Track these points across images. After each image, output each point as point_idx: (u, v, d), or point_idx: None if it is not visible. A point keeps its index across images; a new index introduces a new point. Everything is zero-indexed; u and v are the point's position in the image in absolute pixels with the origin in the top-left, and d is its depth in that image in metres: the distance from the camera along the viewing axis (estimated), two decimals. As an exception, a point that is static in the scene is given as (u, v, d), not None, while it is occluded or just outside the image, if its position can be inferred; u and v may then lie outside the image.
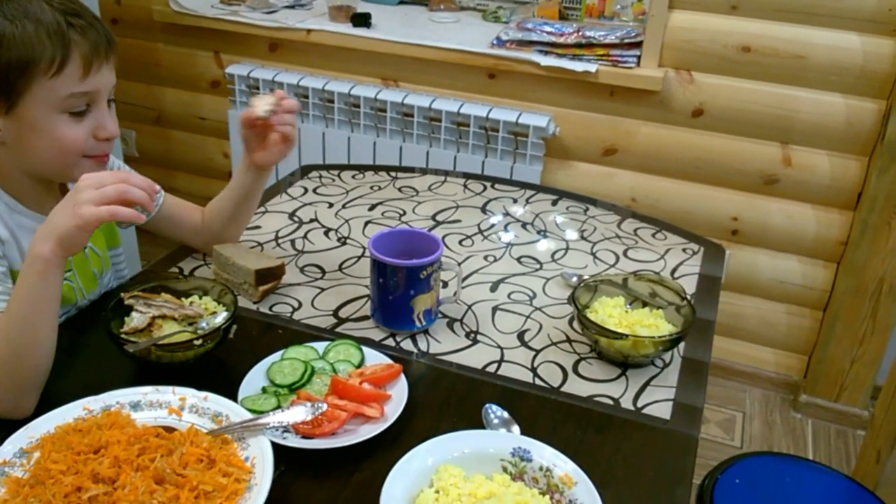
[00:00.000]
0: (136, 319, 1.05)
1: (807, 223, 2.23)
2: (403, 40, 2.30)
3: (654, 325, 1.13)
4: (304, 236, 1.44)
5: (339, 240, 1.44)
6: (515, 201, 1.63)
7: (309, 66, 2.51)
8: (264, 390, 1.00)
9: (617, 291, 1.20)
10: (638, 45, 2.15)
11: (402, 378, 1.02)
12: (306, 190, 1.63)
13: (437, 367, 1.11)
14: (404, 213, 1.55)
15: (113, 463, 0.80)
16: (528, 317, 1.24)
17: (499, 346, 1.17)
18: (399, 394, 1.00)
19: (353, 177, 1.70)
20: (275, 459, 0.83)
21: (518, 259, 1.41)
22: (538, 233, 1.50)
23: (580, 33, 2.16)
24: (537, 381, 1.09)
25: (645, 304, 1.19)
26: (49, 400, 0.94)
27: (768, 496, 1.32)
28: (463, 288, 1.29)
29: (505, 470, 0.89)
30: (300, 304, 1.24)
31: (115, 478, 0.78)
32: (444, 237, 1.45)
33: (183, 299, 1.12)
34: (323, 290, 1.28)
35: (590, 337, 1.15)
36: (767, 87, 2.11)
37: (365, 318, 1.21)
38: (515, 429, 0.97)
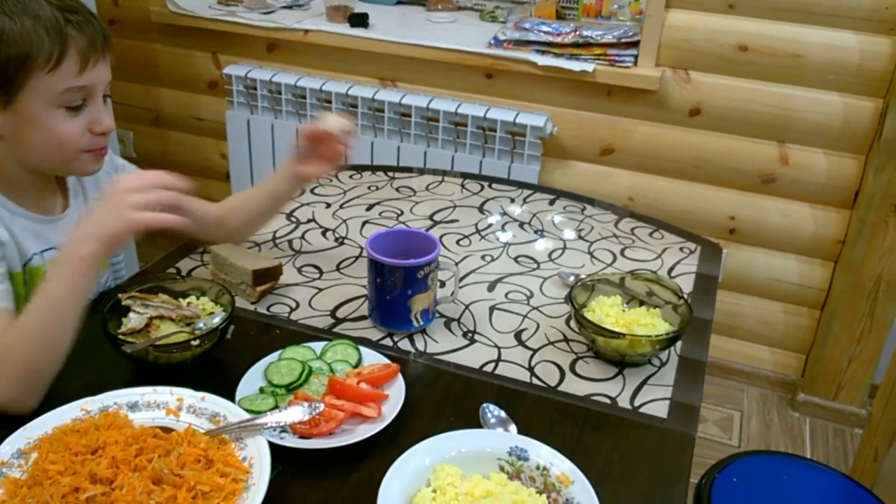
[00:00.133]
0: (133, 320, 1.05)
1: (804, 222, 2.23)
2: (401, 40, 2.30)
3: (650, 324, 1.13)
4: (302, 236, 1.45)
5: (336, 240, 1.44)
6: (513, 201, 1.63)
7: (306, 66, 2.51)
8: (262, 390, 1.00)
9: (614, 290, 1.20)
10: (635, 44, 2.15)
11: (400, 378, 1.02)
12: (304, 190, 1.63)
13: (434, 366, 1.12)
14: (402, 213, 1.55)
15: (111, 463, 0.80)
16: (525, 316, 1.24)
17: (496, 346, 1.17)
18: (396, 393, 1.00)
19: (351, 177, 1.70)
20: (272, 459, 0.83)
21: (515, 258, 1.41)
22: (535, 232, 1.51)
23: (577, 33, 2.17)
24: (534, 381, 1.10)
25: (642, 304, 1.19)
26: (47, 401, 0.94)
27: (766, 495, 1.32)
28: (460, 288, 1.29)
29: (502, 469, 0.89)
30: (298, 305, 1.24)
31: (112, 478, 0.79)
32: (441, 237, 1.46)
33: (180, 300, 1.12)
34: (320, 290, 1.28)
35: (587, 336, 1.15)
36: (764, 86, 2.11)
37: (362, 318, 1.21)
38: (512, 428, 0.98)
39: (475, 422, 0.99)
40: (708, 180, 2.27)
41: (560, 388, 1.08)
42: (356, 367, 1.05)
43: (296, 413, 0.91)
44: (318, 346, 1.09)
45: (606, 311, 1.15)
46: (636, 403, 1.06)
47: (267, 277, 1.24)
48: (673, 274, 1.39)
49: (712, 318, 1.28)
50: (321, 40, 2.38)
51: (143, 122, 2.87)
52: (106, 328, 1.02)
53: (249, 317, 1.20)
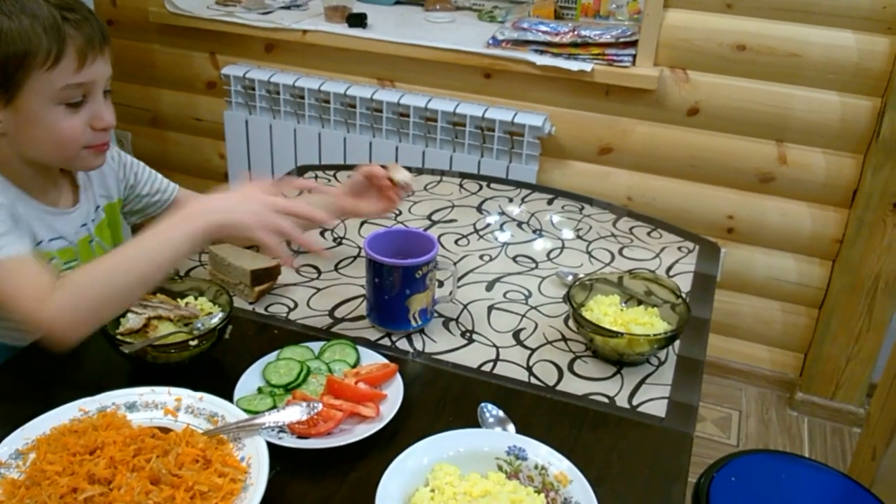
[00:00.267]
0: (131, 320, 1.05)
1: (802, 221, 2.23)
2: (399, 40, 2.30)
3: (649, 323, 1.13)
4: (300, 236, 1.44)
5: (334, 240, 1.44)
6: (511, 201, 1.63)
7: (305, 66, 2.51)
8: (260, 390, 1.00)
9: (612, 290, 1.20)
10: (633, 44, 2.15)
11: (398, 377, 1.02)
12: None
13: (432, 366, 1.12)
14: (400, 212, 1.55)
15: (109, 464, 0.80)
16: (523, 316, 1.24)
17: (494, 346, 1.17)
18: (395, 393, 1.00)
19: (349, 177, 1.70)
20: (270, 459, 0.83)
21: (514, 258, 1.41)
22: (534, 232, 1.51)
23: (576, 32, 2.17)
24: (533, 380, 1.10)
25: (640, 303, 1.19)
26: (44, 401, 0.94)
27: (764, 494, 1.32)
28: (458, 287, 1.29)
29: (500, 468, 0.89)
30: (296, 305, 1.24)
31: (110, 478, 0.79)
32: (439, 237, 1.46)
33: (178, 300, 1.13)
34: (319, 290, 1.28)
35: (585, 335, 1.16)
36: (763, 85, 2.11)
37: (361, 317, 1.21)
38: (511, 427, 0.98)
39: (473, 421, 0.99)
40: (706, 179, 2.27)
41: (558, 388, 1.08)
42: (354, 366, 1.05)
43: (294, 413, 0.91)
44: (316, 345, 1.09)
45: (605, 310, 1.15)
46: (634, 403, 1.06)
47: (265, 277, 1.24)
48: (671, 273, 1.39)
49: (710, 317, 1.28)
50: (319, 40, 2.38)
51: (142, 122, 2.86)
52: (104, 328, 1.02)
53: (247, 317, 1.20)
